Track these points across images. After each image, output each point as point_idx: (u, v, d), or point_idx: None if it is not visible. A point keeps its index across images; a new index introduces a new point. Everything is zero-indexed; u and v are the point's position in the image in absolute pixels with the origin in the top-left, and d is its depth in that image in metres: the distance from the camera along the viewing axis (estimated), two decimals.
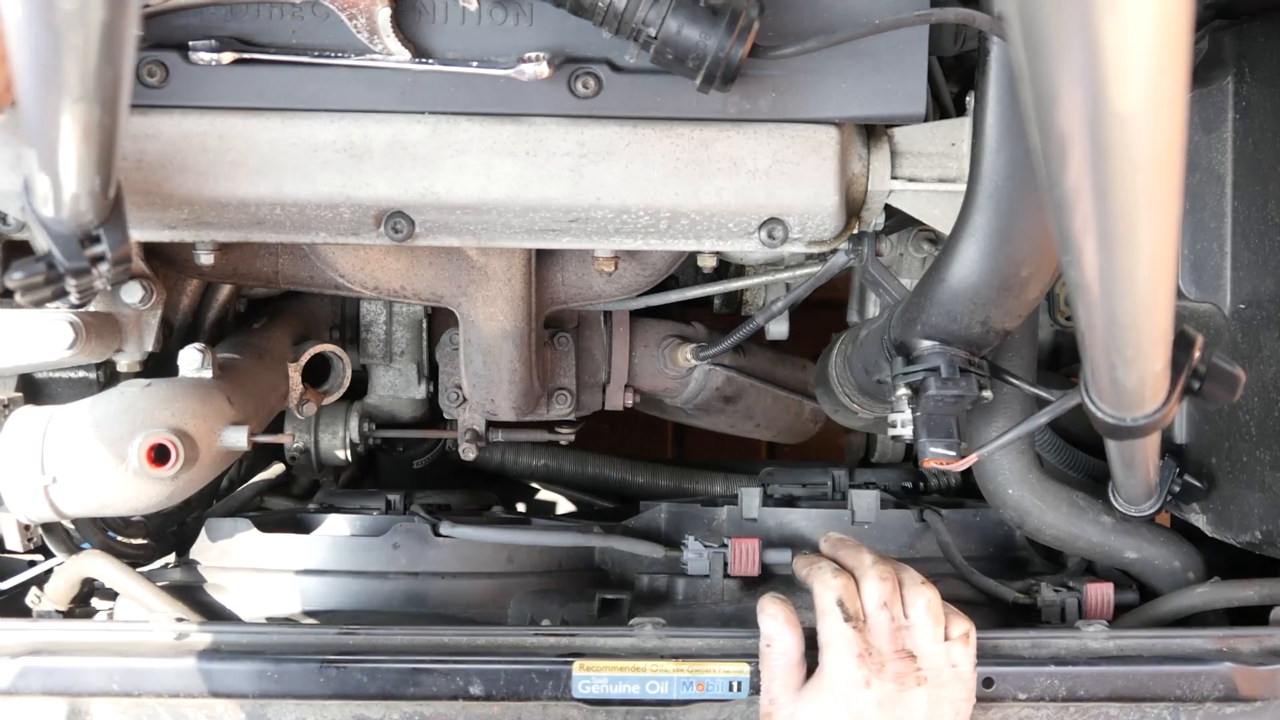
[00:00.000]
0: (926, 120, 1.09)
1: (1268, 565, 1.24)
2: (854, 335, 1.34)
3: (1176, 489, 1.22)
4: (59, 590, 1.30)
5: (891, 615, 1.05)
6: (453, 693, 1.09)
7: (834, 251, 1.15)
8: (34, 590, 1.32)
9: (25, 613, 1.32)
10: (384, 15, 0.97)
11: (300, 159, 1.04)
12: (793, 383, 1.68)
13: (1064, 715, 1.12)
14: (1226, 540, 1.22)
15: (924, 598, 1.06)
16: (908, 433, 1.06)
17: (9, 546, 1.29)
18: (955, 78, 1.22)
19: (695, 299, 1.47)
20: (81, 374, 1.32)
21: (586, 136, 1.05)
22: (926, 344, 1.04)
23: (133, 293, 1.20)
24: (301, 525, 1.40)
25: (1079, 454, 1.43)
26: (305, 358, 1.43)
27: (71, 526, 1.33)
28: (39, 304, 0.92)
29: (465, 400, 1.48)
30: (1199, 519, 1.26)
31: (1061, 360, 1.60)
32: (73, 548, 1.32)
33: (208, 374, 1.20)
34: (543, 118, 1.04)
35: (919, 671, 1.04)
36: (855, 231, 1.14)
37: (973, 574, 1.32)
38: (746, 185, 1.06)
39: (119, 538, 1.41)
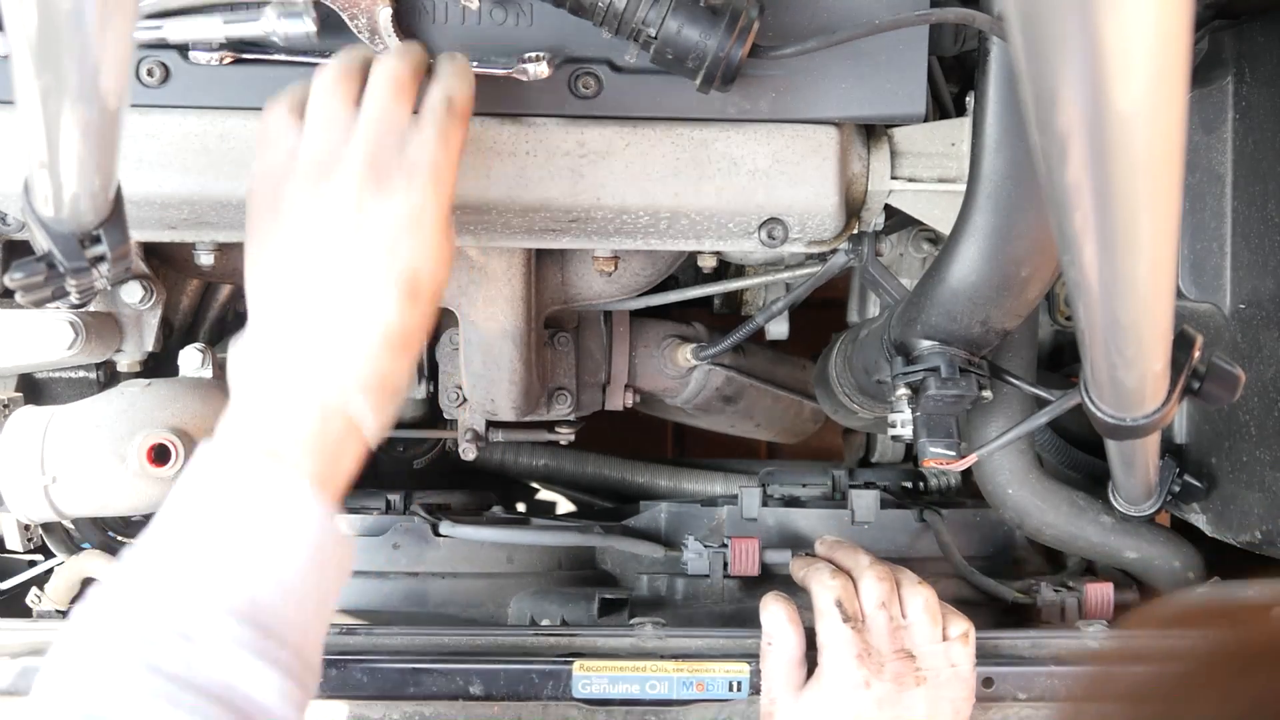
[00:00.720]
0: (926, 120, 1.09)
1: (1268, 565, 1.24)
2: (854, 335, 1.34)
3: (1176, 489, 1.22)
4: (59, 590, 1.30)
5: (890, 615, 1.05)
6: (453, 693, 1.09)
7: (834, 251, 1.15)
8: (34, 590, 1.32)
9: (25, 613, 1.32)
10: (385, 15, 0.97)
11: None
12: (793, 383, 1.68)
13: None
14: (1226, 540, 1.22)
15: (921, 597, 1.06)
16: (908, 433, 1.06)
17: (9, 546, 1.29)
18: (955, 78, 1.22)
19: (695, 299, 1.47)
20: (81, 374, 1.32)
21: (586, 136, 1.05)
22: (926, 344, 1.05)
23: (133, 293, 1.20)
24: None
25: (1079, 454, 1.43)
26: None
27: (71, 526, 1.33)
28: (39, 304, 0.92)
29: (465, 400, 1.48)
30: (1199, 519, 1.26)
31: (1061, 360, 1.60)
32: (73, 548, 1.32)
33: (208, 374, 1.20)
34: (543, 118, 1.04)
35: (918, 671, 1.04)
36: (855, 231, 1.14)
37: (973, 574, 1.32)
38: (746, 185, 1.06)
39: (119, 538, 1.41)
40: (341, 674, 1.08)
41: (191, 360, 1.21)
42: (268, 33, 0.96)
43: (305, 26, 0.96)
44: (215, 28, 0.97)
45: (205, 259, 1.16)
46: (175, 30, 0.97)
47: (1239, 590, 1.23)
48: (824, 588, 1.06)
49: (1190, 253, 1.21)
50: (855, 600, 1.06)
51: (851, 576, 1.09)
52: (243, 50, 0.99)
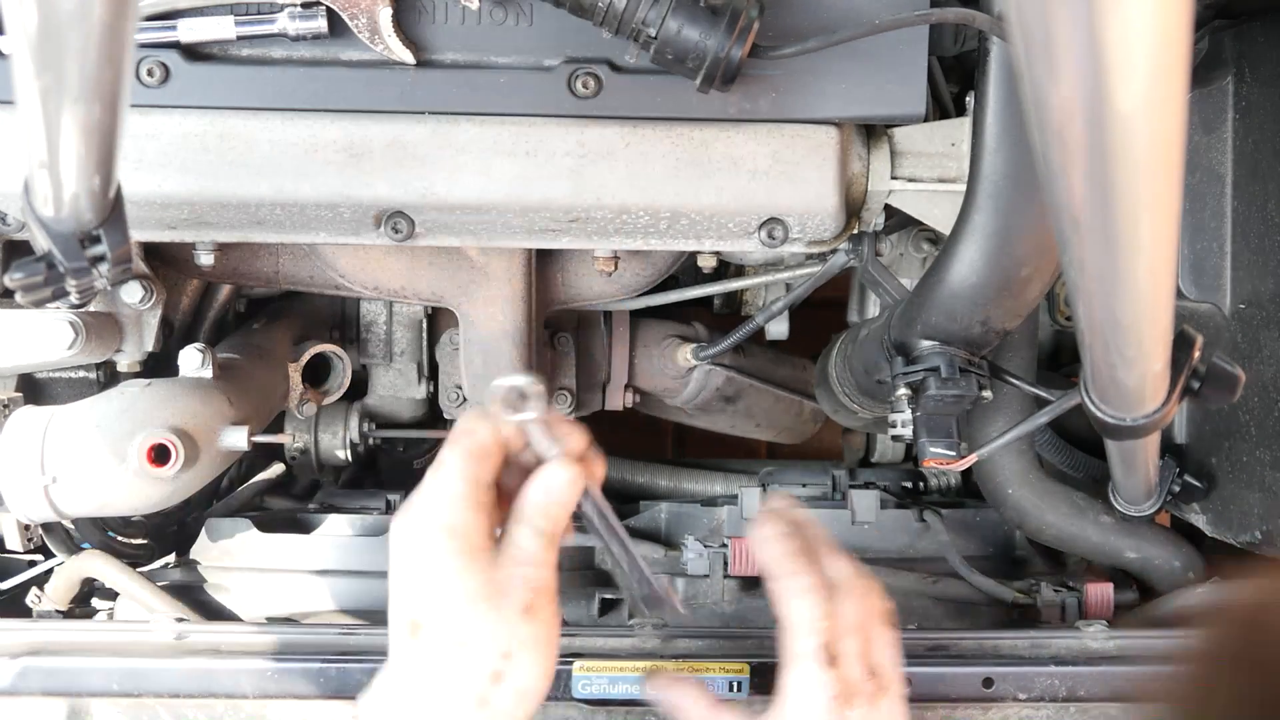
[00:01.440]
0: (926, 120, 1.09)
1: (1268, 565, 1.24)
2: (854, 335, 1.34)
3: (1176, 489, 1.22)
4: (59, 590, 1.30)
5: (862, 639, 0.90)
6: None
7: (834, 251, 1.15)
8: (34, 590, 1.32)
9: (25, 613, 1.32)
10: (385, 15, 0.98)
11: (300, 159, 1.04)
12: (793, 383, 1.68)
13: (1064, 715, 1.12)
14: (1226, 540, 1.22)
15: (880, 607, 0.91)
16: (908, 433, 1.06)
17: (9, 546, 1.29)
18: (955, 78, 1.22)
19: (695, 299, 1.47)
20: (81, 374, 1.32)
21: (587, 136, 1.05)
22: (926, 344, 1.04)
23: (133, 293, 1.20)
24: (302, 525, 1.40)
25: (1079, 454, 1.43)
26: (305, 358, 1.43)
27: (71, 526, 1.33)
28: (39, 304, 0.92)
29: (465, 400, 1.48)
30: (1199, 519, 1.26)
31: (1061, 360, 1.60)
32: (73, 548, 1.32)
33: (208, 374, 1.20)
34: (543, 118, 1.04)
35: (881, 685, 0.91)
36: (855, 231, 1.14)
37: (973, 574, 1.32)
38: (746, 185, 1.06)
39: (119, 538, 1.41)
40: (341, 674, 1.08)
41: (191, 360, 1.21)
42: (280, 31, 0.97)
43: (317, 25, 0.97)
44: (227, 27, 0.97)
45: (205, 259, 1.16)
46: (187, 30, 0.98)
47: (1239, 590, 1.23)
48: (811, 630, 0.89)
49: (1190, 253, 1.21)
50: (837, 638, 0.89)
51: (827, 592, 0.89)
52: (243, 49, 0.99)
